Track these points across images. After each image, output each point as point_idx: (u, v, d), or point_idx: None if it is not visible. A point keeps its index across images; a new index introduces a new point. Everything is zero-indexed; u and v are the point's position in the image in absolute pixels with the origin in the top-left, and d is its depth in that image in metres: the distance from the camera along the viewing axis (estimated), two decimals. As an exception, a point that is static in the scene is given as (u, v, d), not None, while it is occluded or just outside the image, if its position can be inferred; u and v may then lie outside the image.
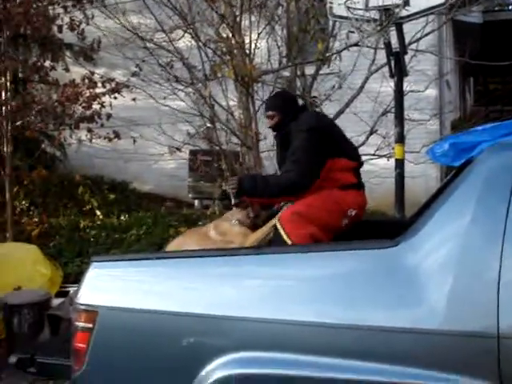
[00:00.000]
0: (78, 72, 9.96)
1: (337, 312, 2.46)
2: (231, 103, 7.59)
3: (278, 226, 3.69)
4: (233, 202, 4.02)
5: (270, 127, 4.18)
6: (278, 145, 4.21)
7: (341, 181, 3.87)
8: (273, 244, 3.72)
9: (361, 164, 4.06)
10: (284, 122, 4.01)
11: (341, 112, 7.36)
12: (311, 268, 2.59)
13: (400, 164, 5.66)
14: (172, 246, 4.16)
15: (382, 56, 6.81)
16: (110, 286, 2.85)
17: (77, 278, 7.57)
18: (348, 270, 2.53)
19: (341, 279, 2.50)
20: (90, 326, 2.71)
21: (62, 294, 6.98)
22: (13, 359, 3.58)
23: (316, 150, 3.78)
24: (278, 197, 3.88)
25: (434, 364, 2.29)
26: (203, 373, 2.50)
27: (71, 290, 6.90)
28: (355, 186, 3.95)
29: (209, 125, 7.81)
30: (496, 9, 13.50)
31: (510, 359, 2.22)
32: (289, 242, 3.60)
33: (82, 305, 2.80)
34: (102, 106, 9.14)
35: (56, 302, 6.34)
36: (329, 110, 7.17)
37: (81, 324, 2.76)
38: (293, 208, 3.77)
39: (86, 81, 9.06)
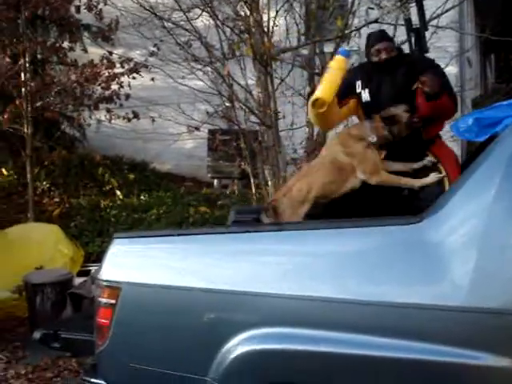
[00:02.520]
0: (96, 52, 9.96)
1: (360, 288, 2.45)
2: (250, 82, 7.55)
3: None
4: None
5: (383, 60, 4.05)
6: (390, 77, 4.05)
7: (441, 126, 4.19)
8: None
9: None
10: (397, 58, 4.06)
11: (360, 90, 7.29)
12: (334, 244, 2.58)
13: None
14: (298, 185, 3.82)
15: (402, 33, 6.72)
16: (132, 263, 2.87)
17: (98, 257, 7.65)
18: (372, 246, 2.51)
19: (364, 255, 2.49)
20: (113, 301, 2.73)
21: (84, 273, 7.06)
22: (37, 335, 3.63)
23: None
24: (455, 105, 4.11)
25: (456, 341, 2.28)
26: (225, 348, 2.51)
27: (92, 269, 6.97)
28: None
29: (227, 104, 7.79)
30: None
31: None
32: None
33: (104, 281, 2.82)
34: (121, 86, 9.16)
35: (78, 280, 6.41)
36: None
37: (104, 300, 2.78)
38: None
39: (105, 61, 9.08)
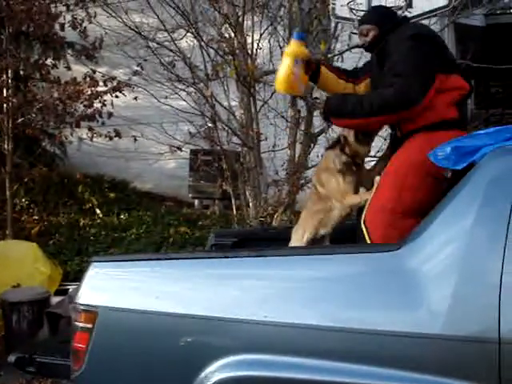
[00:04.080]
0: (79, 70, 9.94)
1: (338, 315, 2.45)
2: (233, 103, 7.58)
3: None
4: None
5: (362, 46, 3.62)
6: (373, 65, 3.60)
7: (440, 114, 3.22)
8: None
9: (470, 92, 3.39)
10: (381, 39, 3.41)
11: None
12: (313, 270, 2.58)
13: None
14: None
15: (384, 58, 6.81)
16: (110, 286, 2.84)
17: (76, 276, 7.58)
18: (350, 272, 2.53)
19: (343, 282, 2.50)
20: (90, 326, 2.70)
21: (62, 292, 6.98)
22: (11, 358, 3.57)
23: (423, 59, 3.17)
24: (375, 115, 3.20)
25: (434, 369, 2.29)
26: (203, 375, 2.49)
27: (70, 288, 6.89)
28: (458, 125, 3.26)
29: (210, 124, 7.80)
30: (498, 12, 13.44)
31: (511, 364, 2.22)
32: None
33: (81, 305, 2.79)
34: (104, 104, 9.13)
35: (55, 299, 6.34)
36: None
37: (80, 324, 2.75)
38: (376, 199, 3.23)
39: (88, 79, 9.05)
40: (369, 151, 3.67)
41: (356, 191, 3.57)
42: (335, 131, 4.40)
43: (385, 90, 3.20)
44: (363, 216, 3.28)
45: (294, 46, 3.71)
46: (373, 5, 5.52)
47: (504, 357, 2.21)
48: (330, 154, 3.69)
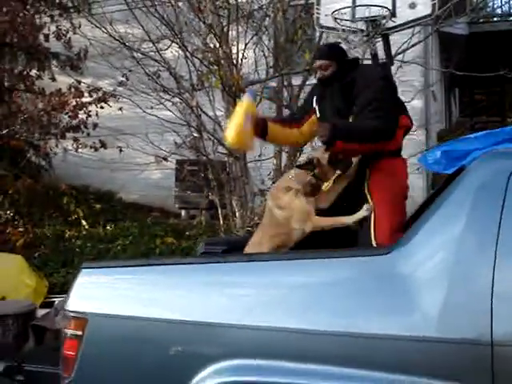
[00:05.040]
0: (64, 81, 9.92)
1: (328, 319, 2.44)
2: (218, 113, 7.59)
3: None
4: (311, 172, 3.62)
5: (320, 79, 3.84)
6: (331, 96, 3.81)
7: (396, 142, 3.68)
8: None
9: (411, 125, 3.83)
10: (340, 73, 3.73)
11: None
12: (303, 275, 2.58)
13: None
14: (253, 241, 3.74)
15: (369, 67, 6.85)
16: (100, 293, 2.82)
17: (62, 288, 7.52)
18: (340, 277, 2.52)
19: (332, 286, 2.49)
20: (79, 333, 2.68)
21: (47, 304, 6.92)
22: (0, 367, 3.53)
23: (393, 99, 3.66)
24: (368, 141, 3.54)
25: (427, 372, 2.29)
26: (193, 381, 2.47)
27: (56, 300, 6.84)
28: (400, 152, 3.81)
29: (195, 135, 7.81)
30: (481, 20, 13.60)
31: (504, 367, 2.22)
32: None
33: (71, 312, 2.76)
34: (89, 115, 9.12)
35: (41, 312, 6.28)
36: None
37: (70, 331, 2.72)
38: (387, 224, 3.49)
39: (73, 90, 9.05)
40: (333, 174, 3.75)
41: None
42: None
43: (373, 122, 3.50)
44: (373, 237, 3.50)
45: (246, 104, 3.79)
46: (358, 15, 5.58)
47: (497, 359, 2.21)
48: (300, 175, 3.69)
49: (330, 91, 3.83)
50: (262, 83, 7.62)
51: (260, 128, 3.84)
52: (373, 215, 3.54)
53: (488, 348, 2.22)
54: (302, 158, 3.73)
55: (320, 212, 3.63)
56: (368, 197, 3.59)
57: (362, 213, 3.50)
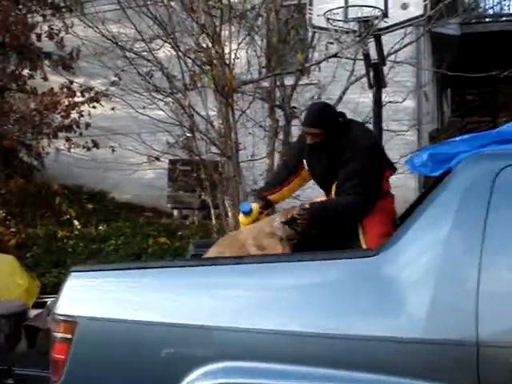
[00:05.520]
0: (56, 81, 9.91)
1: (318, 322, 2.46)
2: (211, 113, 7.60)
3: None
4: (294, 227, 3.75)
5: (310, 145, 3.91)
6: (318, 156, 3.93)
7: (382, 189, 3.87)
8: None
9: (395, 170, 4.05)
10: (330, 139, 3.82)
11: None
12: (292, 278, 2.59)
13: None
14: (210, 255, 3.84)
15: (360, 67, 6.86)
16: (89, 296, 2.82)
17: (54, 288, 7.51)
18: (329, 279, 2.54)
19: (322, 288, 2.51)
20: (69, 336, 2.68)
21: (39, 304, 6.92)
22: (-11, 371, 3.53)
23: (378, 168, 3.79)
24: (346, 221, 3.76)
25: (413, 373, 2.30)
26: (184, 383, 2.48)
27: (48, 300, 6.83)
28: (389, 192, 3.98)
29: (188, 134, 7.80)
30: (473, 21, 13.63)
31: (489, 367, 2.24)
32: None
33: (60, 315, 2.77)
34: (81, 115, 9.11)
35: (33, 312, 6.27)
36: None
37: (59, 334, 2.73)
38: (374, 230, 3.66)
39: (65, 90, 9.04)
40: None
41: None
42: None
43: (351, 200, 3.69)
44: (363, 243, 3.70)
45: (241, 221, 4.12)
46: (350, 15, 5.59)
47: (482, 360, 2.23)
48: (276, 223, 3.78)
49: (318, 152, 3.92)
50: (254, 83, 7.62)
51: (266, 207, 4.11)
52: (360, 226, 3.72)
53: (473, 349, 2.24)
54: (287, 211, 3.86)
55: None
56: (359, 228, 3.75)
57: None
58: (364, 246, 3.65)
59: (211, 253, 3.79)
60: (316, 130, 3.83)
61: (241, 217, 4.11)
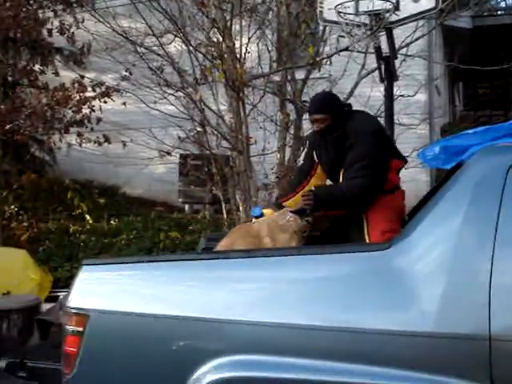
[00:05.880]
0: (67, 76, 9.94)
1: (329, 315, 2.45)
2: (222, 107, 7.60)
3: None
4: (306, 218, 3.77)
5: (317, 131, 3.97)
6: (325, 147, 3.99)
7: (391, 182, 3.86)
8: None
9: (405, 162, 4.05)
10: (335, 125, 3.87)
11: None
12: (304, 271, 2.58)
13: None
14: (222, 246, 3.85)
15: (372, 61, 6.84)
16: (101, 290, 2.83)
17: (66, 282, 7.55)
18: (341, 272, 2.53)
19: (333, 282, 2.50)
20: (81, 329, 2.69)
21: (52, 298, 6.95)
22: (2, 363, 3.55)
23: (383, 152, 3.80)
24: (351, 205, 3.79)
25: (426, 367, 2.29)
26: (195, 376, 2.48)
27: (61, 294, 6.86)
28: (399, 187, 3.98)
29: (199, 129, 7.81)
30: (485, 14, 13.55)
31: (502, 361, 2.23)
32: None
33: (72, 308, 2.77)
34: (92, 110, 9.13)
35: (45, 306, 6.31)
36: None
37: (71, 328, 2.74)
38: (379, 227, 3.67)
39: (76, 85, 9.06)
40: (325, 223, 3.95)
41: None
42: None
43: (359, 182, 3.69)
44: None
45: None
46: (362, 8, 5.57)
47: (495, 354, 2.22)
48: (297, 219, 3.79)
49: (324, 142, 3.98)
50: (265, 77, 7.61)
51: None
52: (365, 222, 3.74)
53: (486, 342, 2.23)
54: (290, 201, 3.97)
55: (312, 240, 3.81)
56: (365, 224, 3.76)
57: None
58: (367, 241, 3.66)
59: (223, 244, 3.81)
60: (321, 116, 3.90)
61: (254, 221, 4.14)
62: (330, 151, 3.95)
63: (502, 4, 14.97)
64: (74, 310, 2.77)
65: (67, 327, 2.76)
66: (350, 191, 3.72)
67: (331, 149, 3.93)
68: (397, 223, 3.71)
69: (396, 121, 6.30)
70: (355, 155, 3.74)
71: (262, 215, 4.05)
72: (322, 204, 3.73)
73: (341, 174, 3.87)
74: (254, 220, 4.14)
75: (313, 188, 3.85)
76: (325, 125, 3.88)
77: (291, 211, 3.79)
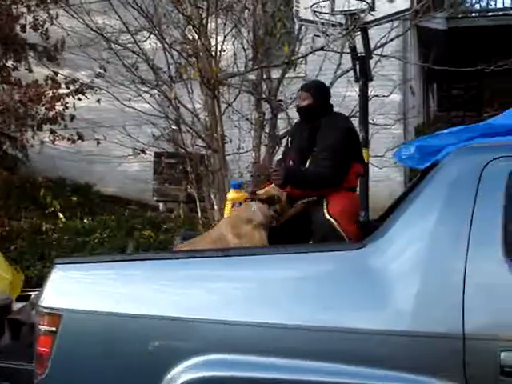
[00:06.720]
0: (41, 72, 9.82)
1: (304, 314, 2.45)
2: (197, 106, 7.56)
3: (333, 222, 3.80)
4: (273, 208, 3.93)
5: (298, 107, 4.28)
6: (301, 135, 4.26)
7: (350, 183, 4.13)
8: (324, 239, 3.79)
9: (365, 173, 4.39)
10: (314, 109, 4.16)
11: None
12: (279, 270, 2.58)
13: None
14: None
15: (347, 60, 6.86)
16: (74, 289, 2.80)
17: (38, 281, 7.45)
18: (315, 271, 2.53)
19: (308, 281, 2.50)
20: (54, 329, 2.66)
21: (23, 298, 6.85)
22: (-28, 364, 3.50)
23: (349, 150, 4.06)
24: (315, 189, 4.01)
25: (400, 365, 2.31)
26: (169, 376, 2.47)
27: (32, 294, 6.77)
28: (355, 189, 4.30)
29: (174, 127, 7.77)
30: (460, 16, 13.67)
31: (476, 360, 2.25)
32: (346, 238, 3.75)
33: (45, 308, 2.74)
34: (66, 107, 9.04)
35: (17, 306, 6.22)
36: (294, 113, 7.18)
37: (44, 327, 2.70)
38: (339, 206, 3.90)
39: (49, 81, 8.96)
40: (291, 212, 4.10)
41: None
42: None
43: (323, 171, 3.97)
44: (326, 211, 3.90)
45: (231, 194, 4.38)
46: (337, 8, 5.58)
47: (469, 353, 2.24)
48: (262, 208, 3.90)
49: (300, 131, 4.30)
50: (240, 76, 7.60)
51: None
52: (325, 203, 3.94)
53: (460, 341, 2.25)
54: (262, 192, 4.06)
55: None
56: (325, 204, 3.94)
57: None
58: (327, 216, 3.84)
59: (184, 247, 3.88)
60: (305, 93, 4.21)
61: (231, 192, 4.34)
62: (303, 139, 4.22)
63: (477, 6, 15.10)
64: (46, 310, 2.73)
65: (40, 327, 2.73)
66: (313, 177, 4.01)
67: (305, 137, 4.20)
68: (354, 214, 4.04)
69: (370, 121, 6.31)
70: (322, 146, 4.02)
71: (240, 185, 4.35)
72: (289, 181, 3.95)
73: (308, 161, 4.12)
74: (232, 191, 4.32)
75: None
76: (306, 103, 4.18)
77: (260, 199, 3.88)
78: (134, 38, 7.44)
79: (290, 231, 3.92)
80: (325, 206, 3.92)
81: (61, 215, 9.99)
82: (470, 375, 2.23)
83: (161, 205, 10.68)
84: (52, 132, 9.24)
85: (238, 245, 3.72)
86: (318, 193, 4.02)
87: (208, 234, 4.08)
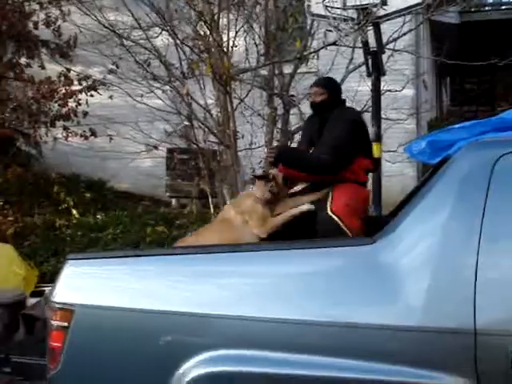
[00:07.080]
0: (53, 69, 9.86)
1: (315, 309, 2.45)
2: (209, 101, 7.56)
3: (337, 220, 3.78)
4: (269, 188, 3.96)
5: (311, 102, 4.31)
6: (313, 127, 4.29)
7: (356, 176, 4.09)
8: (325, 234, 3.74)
9: (376, 168, 4.35)
10: (328, 104, 4.20)
11: (318, 111, 7.36)
12: (290, 265, 2.58)
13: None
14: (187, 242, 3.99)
15: (359, 55, 6.84)
16: (86, 284, 2.81)
17: (52, 277, 7.48)
18: (326, 267, 2.53)
19: (319, 276, 2.50)
20: (66, 324, 2.67)
21: (37, 293, 6.91)
22: (-13, 359, 3.52)
23: (354, 142, 4.04)
24: (309, 172, 4.03)
25: (412, 361, 2.30)
26: (181, 371, 2.48)
27: (46, 289, 6.82)
28: (364, 184, 4.27)
29: (186, 123, 7.78)
30: (472, 9, 13.58)
31: (487, 355, 2.24)
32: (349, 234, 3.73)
33: (57, 303, 2.76)
34: (78, 103, 9.08)
35: (31, 301, 6.27)
36: (306, 109, 7.17)
37: (56, 323, 2.72)
38: (342, 199, 3.87)
39: (62, 78, 8.99)
40: (287, 193, 4.17)
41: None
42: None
43: (322, 157, 3.95)
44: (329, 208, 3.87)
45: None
46: (349, 3, 5.57)
47: (480, 348, 2.23)
48: (260, 185, 4.03)
49: (312, 123, 4.35)
50: (252, 71, 7.59)
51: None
52: (330, 194, 3.91)
53: (471, 336, 2.24)
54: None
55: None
56: (330, 195, 3.92)
57: (305, 206, 3.90)
58: (330, 214, 3.81)
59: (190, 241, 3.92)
60: (319, 89, 4.24)
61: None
62: (312, 131, 4.28)
63: (490, 0, 15.01)
64: (58, 305, 2.75)
65: (52, 322, 2.75)
66: (308, 160, 4.03)
67: (315, 129, 4.24)
68: (359, 208, 3.96)
69: (383, 115, 6.30)
70: (328, 135, 4.05)
71: None
72: (281, 159, 4.01)
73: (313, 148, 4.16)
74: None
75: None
76: (320, 99, 4.21)
77: (256, 176, 4.08)
78: (145, 34, 7.46)
79: (296, 232, 3.86)
80: (329, 202, 3.90)
81: (74, 211, 10.04)
82: (481, 370, 2.23)
83: (173, 200, 10.70)
84: (65, 128, 9.27)
85: (241, 220, 3.83)
86: (314, 178, 4.05)
87: (213, 222, 4.13)
